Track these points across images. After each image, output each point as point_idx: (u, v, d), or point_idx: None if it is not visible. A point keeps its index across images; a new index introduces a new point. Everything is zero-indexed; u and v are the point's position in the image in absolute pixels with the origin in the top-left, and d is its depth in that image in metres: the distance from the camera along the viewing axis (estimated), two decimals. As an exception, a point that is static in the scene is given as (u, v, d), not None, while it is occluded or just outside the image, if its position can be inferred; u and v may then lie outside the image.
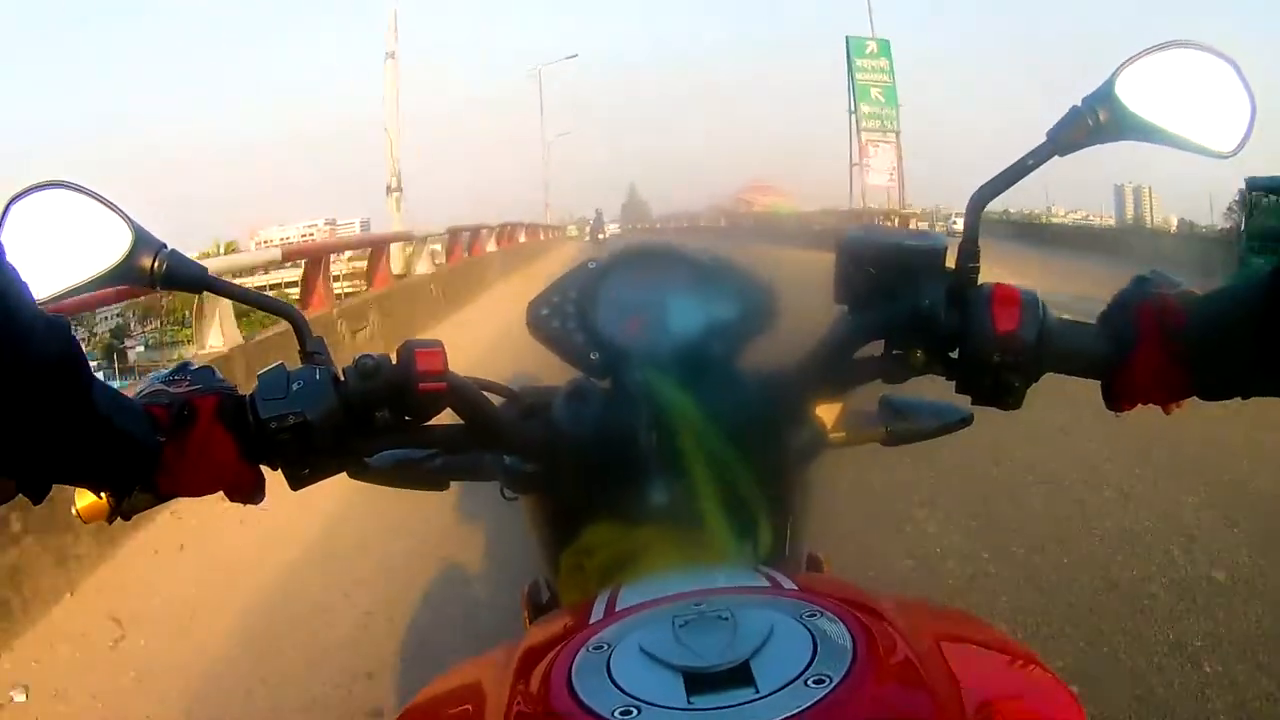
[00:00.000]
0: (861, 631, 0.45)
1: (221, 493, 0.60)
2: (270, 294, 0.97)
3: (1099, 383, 0.60)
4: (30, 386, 0.42)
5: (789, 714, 0.39)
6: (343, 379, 0.61)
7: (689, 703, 0.41)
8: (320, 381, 0.60)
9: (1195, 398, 0.58)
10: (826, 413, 0.74)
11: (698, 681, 0.42)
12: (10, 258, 0.42)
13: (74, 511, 0.60)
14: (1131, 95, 0.58)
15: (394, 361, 0.61)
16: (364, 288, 8.05)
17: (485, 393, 0.68)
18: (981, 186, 0.61)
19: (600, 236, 30.43)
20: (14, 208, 0.59)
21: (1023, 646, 0.52)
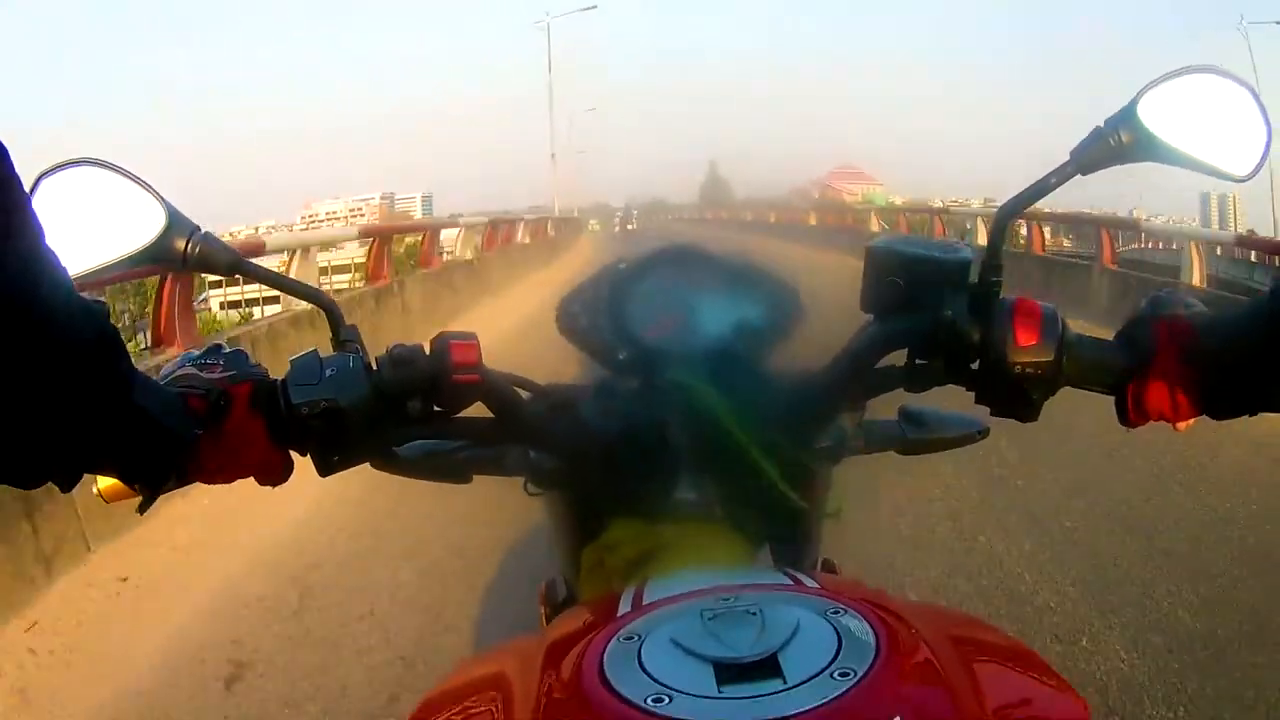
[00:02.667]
0: (884, 629, 0.45)
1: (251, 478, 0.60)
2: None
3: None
4: (67, 372, 0.40)
5: (816, 705, 0.40)
6: (376, 367, 0.61)
7: (719, 692, 0.42)
8: (353, 369, 0.60)
9: (1205, 415, 0.58)
10: (846, 420, 0.74)
11: (728, 672, 0.43)
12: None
13: (95, 491, 0.58)
14: (1153, 118, 0.58)
15: (428, 352, 0.61)
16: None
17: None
18: (1005, 203, 0.62)
19: (629, 226, 36.93)
20: (43, 183, 0.58)
21: (1033, 651, 0.53)
